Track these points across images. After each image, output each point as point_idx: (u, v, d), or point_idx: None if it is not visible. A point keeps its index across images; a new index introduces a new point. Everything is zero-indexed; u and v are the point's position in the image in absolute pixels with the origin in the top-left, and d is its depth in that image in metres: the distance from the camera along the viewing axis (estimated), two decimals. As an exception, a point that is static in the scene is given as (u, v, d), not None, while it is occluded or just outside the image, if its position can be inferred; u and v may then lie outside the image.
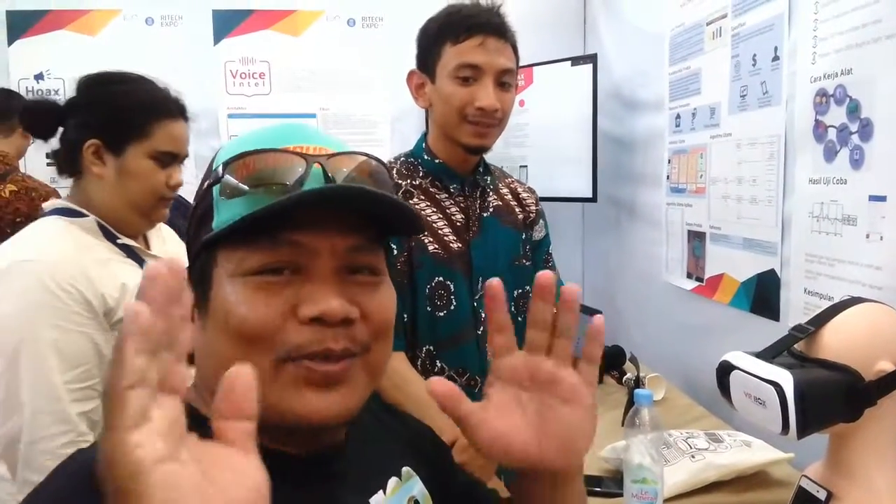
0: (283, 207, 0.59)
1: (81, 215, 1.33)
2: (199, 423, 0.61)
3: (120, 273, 1.32)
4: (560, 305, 0.65)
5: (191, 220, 0.69)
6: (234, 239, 0.62)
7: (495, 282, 0.63)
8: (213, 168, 0.67)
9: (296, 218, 0.61)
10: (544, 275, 0.64)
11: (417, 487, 0.78)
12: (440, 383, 0.61)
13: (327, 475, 0.68)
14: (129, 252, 1.37)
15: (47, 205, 1.38)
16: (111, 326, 1.27)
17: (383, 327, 0.67)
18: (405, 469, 0.78)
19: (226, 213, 0.63)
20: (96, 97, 1.34)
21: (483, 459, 1.36)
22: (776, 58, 1.80)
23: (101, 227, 1.35)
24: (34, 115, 1.37)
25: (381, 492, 0.73)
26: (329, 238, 0.63)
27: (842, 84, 1.54)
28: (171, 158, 1.38)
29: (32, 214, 2.62)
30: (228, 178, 0.63)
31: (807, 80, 1.66)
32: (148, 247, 1.46)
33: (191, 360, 0.67)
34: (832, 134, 1.58)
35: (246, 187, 0.63)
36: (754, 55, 1.90)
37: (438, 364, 1.41)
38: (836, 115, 1.56)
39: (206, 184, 0.67)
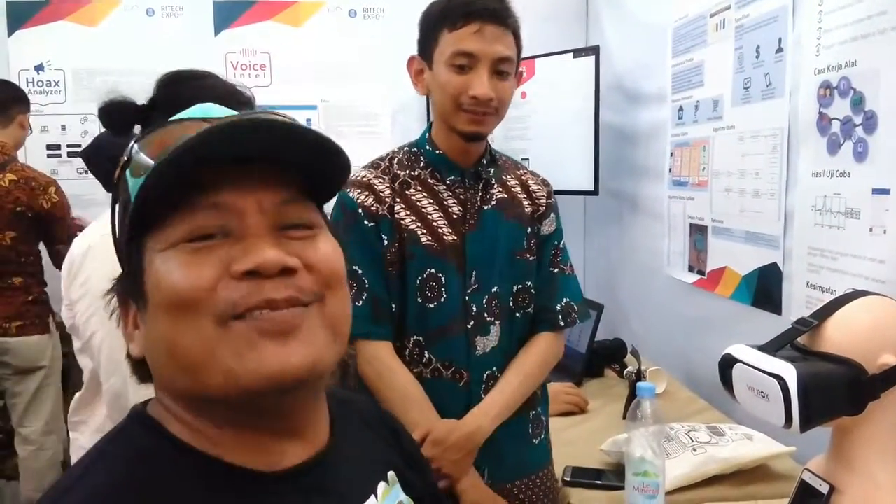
0: (185, 150, 0.55)
1: None
2: (164, 439, 0.61)
3: None
4: None
5: (113, 213, 0.66)
6: (156, 220, 0.59)
7: None
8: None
9: (215, 181, 0.59)
10: None
11: (402, 493, 0.75)
12: None
13: (303, 490, 0.63)
14: None
15: None
16: None
17: (332, 277, 0.63)
18: (391, 473, 0.75)
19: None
20: (182, 92, 1.39)
21: (457, 454, 1.36)
22: (780, 50, 1.79)
23: None
24: (114, 115, 1.41)
25: (372, 497, 0.70)
26: (254, 195, 0.60)
27: (846, 76, 1.53)
28: None
29: (32, 203, 2.64)
30: (136, 156, 0.60)
31: (811, 72, 1.65)
32: None
33: (145, 376, 0.65)
34: (836, 126, 1.57)
35: (153, 162, 0.58)
36: (758, 47, 1.89)
37: (426, 355, 1.40)
38: (840, 108, 1.55)
39: (118, 171, 0.63)
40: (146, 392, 1.22)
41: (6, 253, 2.64)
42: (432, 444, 1.33)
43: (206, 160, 0.58)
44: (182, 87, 1.41)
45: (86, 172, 2.53)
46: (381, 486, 0.72)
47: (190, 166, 0.57)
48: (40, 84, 3.13)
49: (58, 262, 2.61)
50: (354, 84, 3.29)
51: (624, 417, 1.99)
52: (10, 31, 3.12)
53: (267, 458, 0.62)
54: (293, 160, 0.62)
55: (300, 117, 3.19)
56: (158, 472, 0.59)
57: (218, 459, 0.60)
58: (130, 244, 0.62)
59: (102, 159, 1.49)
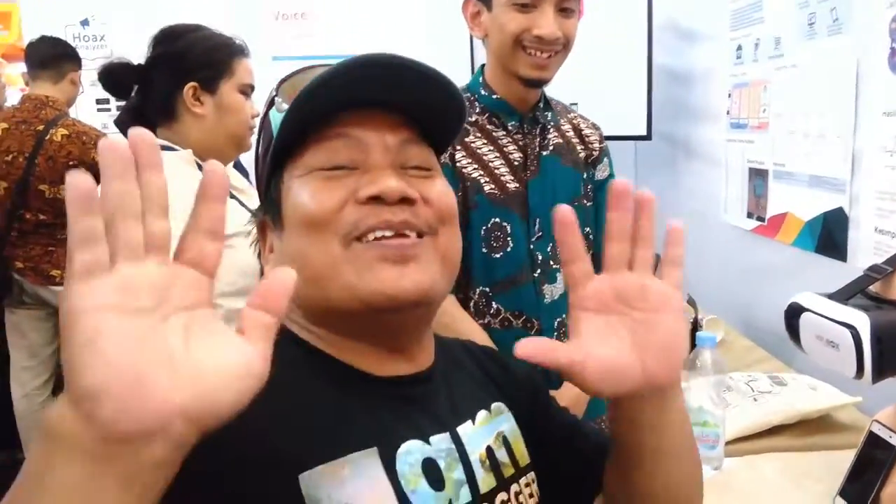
0: (326, 79, 0.63)
1: (175, 151, 1.46)
2: (300, 347, 0.69)
3: None
4: (638, 212, 0.63)
5: (258, 153, 0.75)
6: (293, 152, 0.68)
7: (565, 208, 0.59)
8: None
9: (347, 121, 0.67)
10: (620, 182, 0.62)
11: (508, 424, 0.77)
12: (526, 345, 0.57)
13: (405, 398, 0.69)
14: None
15: None
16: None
17: (447, 212, 0.70)
18: (495, 404, 0.77)
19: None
20: (182, 47, 1.47)
21: (578, 397, 1.35)
22: (849, -19, 1.69)
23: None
24: (114, 77, 1.49)
25: (469, 421, 0.73)
26: (380, 133, 0.68)
27: (924, 7, 1.43)
28: (251, 90, 1.55)
29: (84, 157, 2.67)
30: (278, 98, 0.70)
31: (882, 4, 1.55)
32: None
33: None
34: (911, 61, 1.48)
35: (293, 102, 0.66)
36: (825, -22, 1.78)
37: (494, 306, 1.39)
38: (917, 41, 1.46)
39: (262, 111, 0.75)
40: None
41: (61, 206, 2.69)
42: None
43: (337, 99, 0.66)
44: (179, 42, 1.48)
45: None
46: (482, 413, 0.75)
47: (323, 100, 0.65)
48: (86, 39, 3.14)
49: None
50: (399, 30, 3.22)
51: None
52: (56, -14, 3.13)
53: (378, 366, 0.69)
54: (412, 100, 0.68)
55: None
56: (300, 373, 0.66)
57: (339, 360, 0.68)
58: (271, 177, 0.71)
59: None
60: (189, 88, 1.45)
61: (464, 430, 0.71)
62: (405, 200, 0.65)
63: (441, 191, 0.70)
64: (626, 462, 0.69)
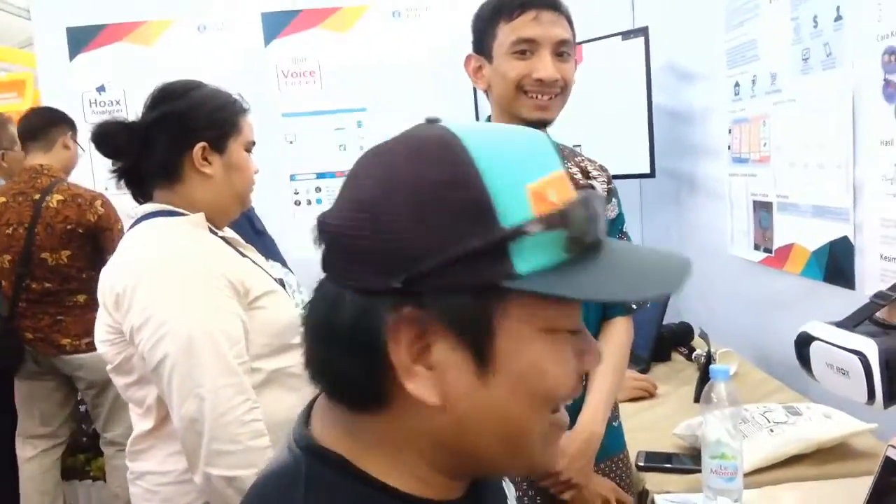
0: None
1: (183, 215, 1.42)
2: (369, 485, 0.57)
3: (237, 260, 1.42)
4: None
5: (471, 251, 0.52)
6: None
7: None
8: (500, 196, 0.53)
9: None
10: None
11: None
12: None
13: None
14: (227, 244, 1.47)
15: (142, 210, 1.44)
16: (248, 306, 1.36)
17: None
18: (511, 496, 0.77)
19: (538, 260, 0.53)
20: (186, 105, 1.41)
21: (581, 461, 1.39)
22: (839, 18, 1.74)
23: None
24: (112, 138, 1.41)
25: None
26: None
27: (912, 40, 1.48)
28: (252, 146, 1.50)
29: (80, 219, 2.70)
30: (572, 231, 0.54)
31: (873, 38, 1.60)
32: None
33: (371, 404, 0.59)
34: (904, 92, 1.52)
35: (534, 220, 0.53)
36: (815, 16, 1.84)
37: None
38: (907, 73, 1.50)
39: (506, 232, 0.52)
40: (233, 411, 1.26)
41: (66, 271, 2.71)
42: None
43: None
44: (182, 100, 1.41)
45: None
46: None
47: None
48: (102, 104, 3.24)
49: None
50: (404, 85, 3.29)
51: (695, 401, 1.97)
52: (72, 55, 3.23)
53: (448, 492, 0.62)
54: None
55: (350, 120, 3.25)
56: None
57: (411, 495, 0.59)
58: (471, 289, 0.53)
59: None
60: (199, 149, 1.40)
61: None
62: None
63: None
64: None
